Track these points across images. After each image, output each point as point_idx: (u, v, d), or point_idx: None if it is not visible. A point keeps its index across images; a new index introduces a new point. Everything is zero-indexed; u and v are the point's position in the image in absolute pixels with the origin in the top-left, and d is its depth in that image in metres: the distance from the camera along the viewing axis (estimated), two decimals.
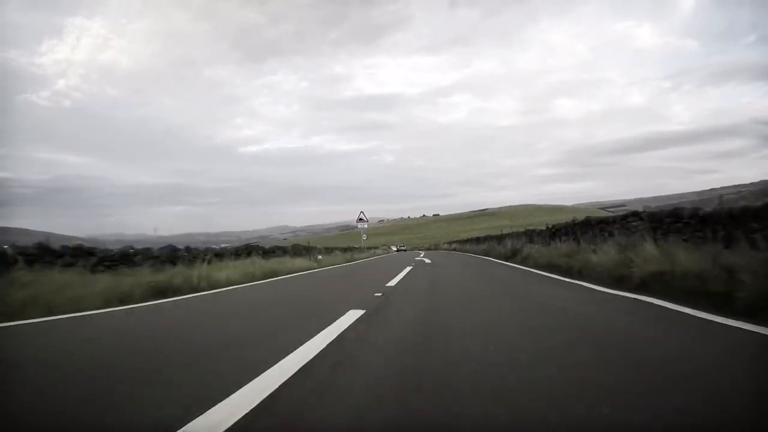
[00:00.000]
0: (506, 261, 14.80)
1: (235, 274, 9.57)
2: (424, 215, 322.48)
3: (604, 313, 4.03)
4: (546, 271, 8.87)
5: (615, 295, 4.95)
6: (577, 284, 6.35)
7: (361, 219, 27.11)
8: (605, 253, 7.09)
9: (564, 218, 16.37)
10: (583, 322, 3.60)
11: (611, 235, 8.66)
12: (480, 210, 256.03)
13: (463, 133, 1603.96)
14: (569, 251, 9.31)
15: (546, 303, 4.76)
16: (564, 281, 6.94)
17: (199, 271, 8.65)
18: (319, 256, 19.51)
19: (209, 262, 10.36)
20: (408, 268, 11.89)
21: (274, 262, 13.25)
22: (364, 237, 30.23)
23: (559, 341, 2.86)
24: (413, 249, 68.71)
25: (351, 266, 16.58)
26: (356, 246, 33.46)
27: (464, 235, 78.12)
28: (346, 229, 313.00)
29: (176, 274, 8.15)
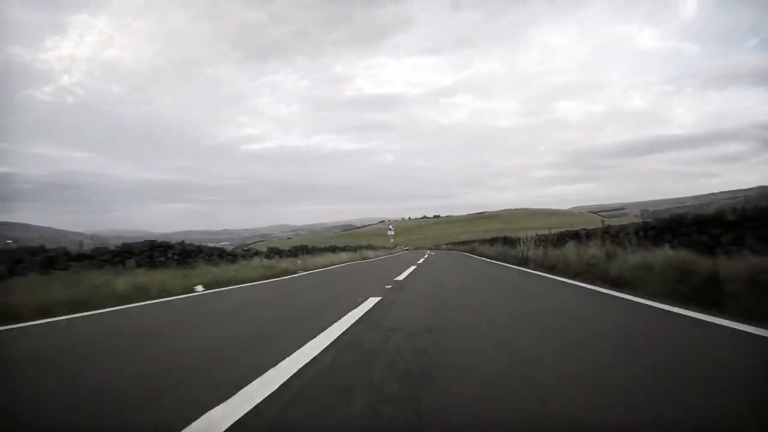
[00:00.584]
0: (492, 260, 15.33)
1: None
2: (424, 216, 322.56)
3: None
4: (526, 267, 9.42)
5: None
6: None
7: (390, 228, 45.97)
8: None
9: (557, 222, 16.74)
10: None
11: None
12: (478, 213, 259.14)
13: (463, 133, 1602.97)
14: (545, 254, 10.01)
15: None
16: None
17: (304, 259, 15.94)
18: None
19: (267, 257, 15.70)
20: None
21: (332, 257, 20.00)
22: (392, 241, 44.66)
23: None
24: (416, 249, 71.49)
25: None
26: (378, 246, 44.22)
27: (463, 237, 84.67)
28: (348, 229, 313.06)
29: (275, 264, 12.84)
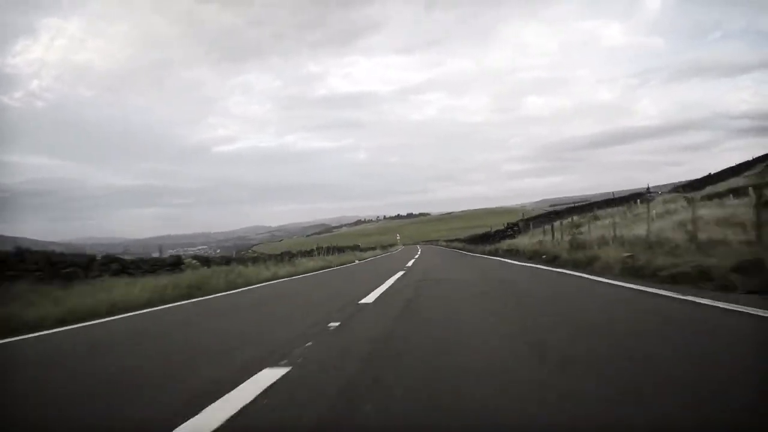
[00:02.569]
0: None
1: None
2: (398, 215, 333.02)
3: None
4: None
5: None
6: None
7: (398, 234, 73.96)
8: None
9: (512, 219, 25.40)
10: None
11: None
12: (447, 213, 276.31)
13: (435, 129, 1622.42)
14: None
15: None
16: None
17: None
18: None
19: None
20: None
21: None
22: (401, 246, 61.06)
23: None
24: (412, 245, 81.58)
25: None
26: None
27: (434, 236, 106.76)
28: (326, 230, 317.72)
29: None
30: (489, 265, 12.71)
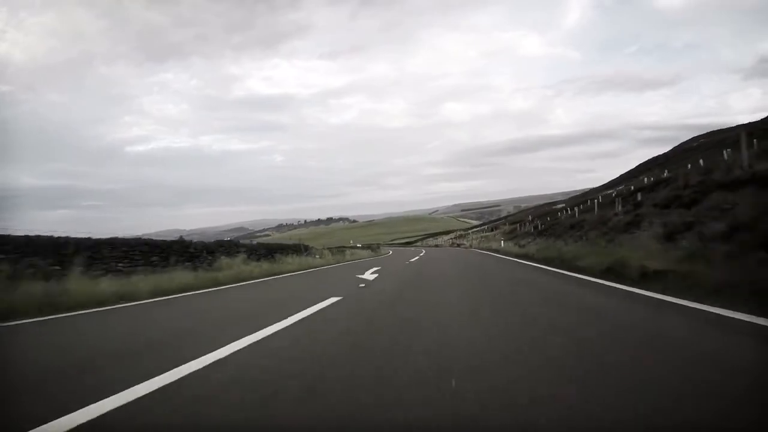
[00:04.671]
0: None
1: None
2: (319, 219, 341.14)
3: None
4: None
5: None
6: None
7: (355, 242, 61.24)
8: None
9: (427, 227, 37.80)
10: None
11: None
12: (369, 221, 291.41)
13: (354, 134, 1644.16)
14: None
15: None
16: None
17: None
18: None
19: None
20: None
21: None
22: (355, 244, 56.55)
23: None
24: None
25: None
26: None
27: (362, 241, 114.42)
28: (249, 236, 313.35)
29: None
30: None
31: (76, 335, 3.85)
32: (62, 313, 4.88)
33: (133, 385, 2.06)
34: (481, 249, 31.84)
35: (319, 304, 4.78)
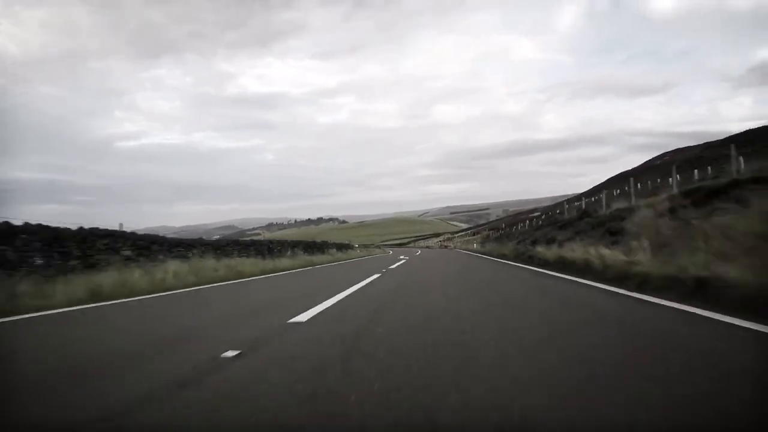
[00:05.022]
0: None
1: None
2: (309, 218, 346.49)
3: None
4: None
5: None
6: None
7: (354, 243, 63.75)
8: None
9: (419, 228, 46.10)
10: None
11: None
12: (360, 222, 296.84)
13: (347, 133, 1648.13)
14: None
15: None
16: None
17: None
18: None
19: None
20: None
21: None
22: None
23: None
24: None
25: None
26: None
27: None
28: (239, 234, 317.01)
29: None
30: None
31: (276, 285, 8.25)
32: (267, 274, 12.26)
33: (318, 304, 4.55)
34: (460, 249, 43.01)
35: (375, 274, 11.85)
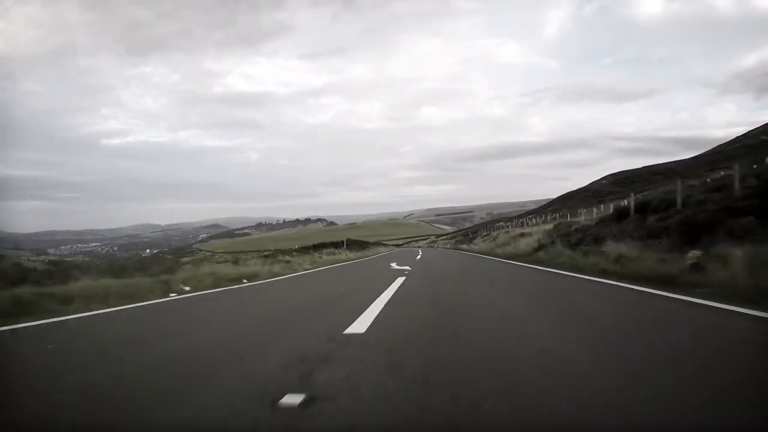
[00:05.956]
0: None
1: None
2: (297, 218, 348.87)
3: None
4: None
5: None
6: None
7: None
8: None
9: (404, 231, 54.77)
10: None
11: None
12: (350, 224, 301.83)
13: (330, 134, 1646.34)
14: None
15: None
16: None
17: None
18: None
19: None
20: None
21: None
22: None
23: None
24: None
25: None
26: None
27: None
28: (227, 234, 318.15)
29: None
30: None
31: (351, 270, 15.27)
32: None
33: (383, 293, 6.17)
34: (443, 248, 53.05)
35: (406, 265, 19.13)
